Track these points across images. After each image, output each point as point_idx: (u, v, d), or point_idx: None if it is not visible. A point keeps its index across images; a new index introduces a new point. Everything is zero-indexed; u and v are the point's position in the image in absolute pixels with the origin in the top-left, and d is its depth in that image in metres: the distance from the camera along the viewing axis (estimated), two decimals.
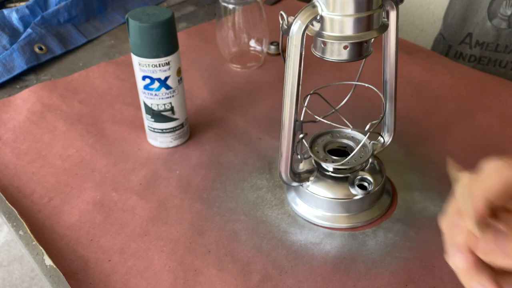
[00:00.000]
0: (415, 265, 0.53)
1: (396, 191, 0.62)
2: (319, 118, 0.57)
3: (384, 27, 0.49)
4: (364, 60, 0.52)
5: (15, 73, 0.88)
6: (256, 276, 0.53)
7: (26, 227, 0.59)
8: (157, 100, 0.66)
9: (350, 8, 0.45)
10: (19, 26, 0.95)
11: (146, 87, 0.65)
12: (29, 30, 0.93)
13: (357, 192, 0.57)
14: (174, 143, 0.71)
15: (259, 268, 0.54)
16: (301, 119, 0.55)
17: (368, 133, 0.57)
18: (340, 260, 0.54)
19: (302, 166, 0.60)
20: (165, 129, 0.69)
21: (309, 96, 0.57)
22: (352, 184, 0.57)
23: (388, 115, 0.59)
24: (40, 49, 0.92)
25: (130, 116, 0.78)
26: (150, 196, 0.63)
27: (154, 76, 0.64)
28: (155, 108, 0.67)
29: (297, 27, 0.46)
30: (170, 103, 0.67)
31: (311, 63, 0.79)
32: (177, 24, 0.86)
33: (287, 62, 0.49)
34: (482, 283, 0.30)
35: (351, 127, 0.58)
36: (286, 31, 0.47)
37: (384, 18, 0.49)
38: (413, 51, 0.92)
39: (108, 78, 0.87)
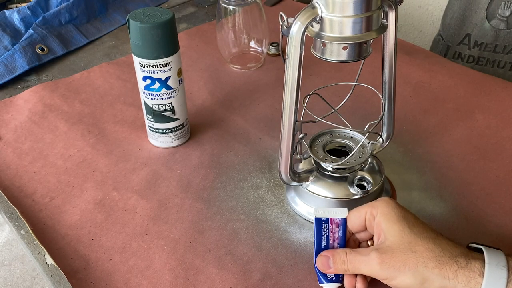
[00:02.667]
0: None
1: (395, 190, 0.63)
2: (318, 118, 0.57)
3: (383, 28, 0.49)
4: (363, 60, 0.53)
5: (16, 73, 0.88)
6: (256, 275, 0.53)
7: (28, 226, 0.59)
8: (158, 100, 0.66)
9: (349, 9, 0.45)
10: (21, 27, 0.96)
11: (147, 87, 0.65)
12: (30, 31, 0.93)
13: (356, 192, 0.57)
14: (175, 143, 0.71)
15: (259, 267, 0.54)
16: (301, 119, 0.55)
17: (367, 133, 0.58)
18: None
19: (302, 166, 0.61)
20: (166, 129, 0.69)
21: (308, 97, 0.58)
22: (352, 184, 0.58)
23: (387, 115, 0.60)
24: (42, 49, 0.93)
25: (131, 116, 0.78)
26: (150, 196, 0.63)
27: (155, 76, 0.64)
28: (155, 108, 0.67)
29: (296, 28, 0.47)
30: (171, 103, 0.67)
31: (311, 63, 0.80)
32: (177, 25, 0.86)
33: (287, 63, 0.49)
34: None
35: (350, 127, 0.58)
36: (286, 32, 0.47)
37: (383, 19, 0.50)
38: (412, 51, 0.92)
39: (109, 79, 0.88)
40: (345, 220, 0.50)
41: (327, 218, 0.50)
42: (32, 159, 0.70)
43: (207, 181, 0.66)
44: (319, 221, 0.50)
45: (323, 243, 0.50)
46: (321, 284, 0.50)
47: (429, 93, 0.81)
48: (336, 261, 0.48)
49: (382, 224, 0.46)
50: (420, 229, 0.45)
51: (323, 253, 0.49)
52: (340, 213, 0.50)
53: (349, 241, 0.51)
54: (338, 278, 0.49)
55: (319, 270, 0.50)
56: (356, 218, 0.49)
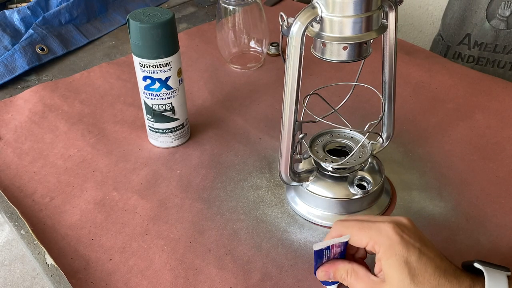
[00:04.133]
0: None
1: (395, 190, 0.63)
2: (318, 118, 0.57)
3: (383, 28, 0.49)
4: (363, 60, 0.53)
5: (16, 73, 0.88)
6: (256, 275, 0.53)
7: (28, 226, 0.59)
8: (158, 100, 0.66)
9: (349, 9, 0.45)
10: (21, 27, 0.96)
11: (147, 87, 0.65)
12: (30, 31, 0.93)
13: (356, 192, 0.57)
14: (175, 143, 0.71)
15: (259, 267, 0.54)
16: (301, 119, 0.55)
17: (367, 133, 0.58)
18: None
19: (302, 166, 0.61)
20: (166, 129, 0.69)
21: (308, 97, 0.58)
22: (352, 184, 0.58)
23: (387, 115, 0.60)
24: (42, 49, 0.93)
25: (131, 116, 0.78)
26: (150, 196, 0.63)
27: (155, 76, 0.64)
28: (156, 108, 0.67)
29: (297, 28, 0.47)
30: (171, 103, 0.67)
31: (311, 63, 0.80)
32: (177, 25, 0.86)
33: (287, 63, 0.49)
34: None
35: (350, 127, 0.58)
36: (286, 32, 0.47)
37: (383, 19, 0.50)
38: (412, 51, 0.92)
39: (109, 79, 0.88)
40: (347, 242, 0.47)
41: (328, 246, 0.47)
42: (32, 159, 0.70)
43: (207, 181, 0.66)
44: (320, 251, 0.48)
45: (323, 261, 0.49)
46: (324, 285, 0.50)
47: (429, 93, 0.81)
48: (337, 276, 0.48)
49: (382, 264, 0.44)
50: (421, 279, 0.43)
51: (324, 268, 0.49)
52: (343, 238, 0.47)
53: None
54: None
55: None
56: (356, 243, 0.47)
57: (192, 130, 0.74)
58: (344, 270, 0.47)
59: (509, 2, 0.94)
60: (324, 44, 0.49)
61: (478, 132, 0.72)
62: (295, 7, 1.09)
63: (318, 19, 0.47)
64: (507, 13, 0.95)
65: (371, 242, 0.45)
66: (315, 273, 0.50)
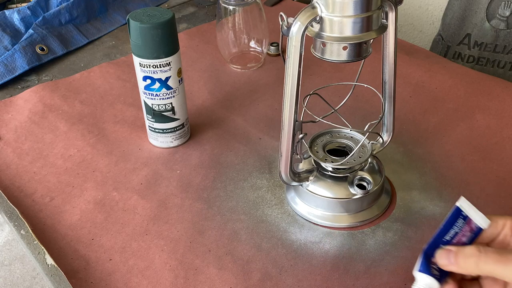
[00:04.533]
0: (414, 264, 0.53)
1: (395, 190, 0.63)
2: (318, 118, 0.57)
3: (383, 28, 0.49)
4: (363, 60, 0.53)
5: (16, 73, 0.88)
6: (256, 275, 0.53)
7: (28, 226, 0.59)
8: (158, 100, 0.66)
9: (349, 9, 0.45)
10: (21, 27, 0.96)
11: (147, 87, 0.65)
12: (30, 31, 0.93)
13: (356, 192, 0.57)
14: (175, 143, 0.71)
15: (259, 267, 0.54)
16: (301, 119, 0.55)
17: (367, 133, 0.58)
18: (340, 259, 0.55)
19: (302, 166, 0.61)
20: (166, 129, 0.69)
21: (308, 97, 0.58)
22: (351, 184, 0.58)
23: (387, 115, 0.60)
24: (42, 49, 0.93)
25: (131, 116, 0.78)
26: (150, 196, 0.63)
27: (155, 76, 0.64)
28: (156, 108, 0.67)
29: (296, 28, 0.47)
30: (171, 103, 0.67)
31: (311, 63, 0.80)
32: (177, 25, 0.86)
33: (287, 63, 0.49)
34: None
35: (350, 127, 0.58)
36: (286, 32, 0.47)
37: (383, 19, 0.50)
38: (412, 51, 0.92)
39: (109, 79, 0.88)
40: (481, 230, 0.44)
41: (467, 216, 0.44)
42: (32, 159, 0.70)
43: (207, 181, 0.66)
44: (458, 212, 0.44)
45: (446, 236, 0.44)
46: (419, 272, 0.44)
47: (429, 93, 0.81)
48: (461, 255, 0.42)
49: None
50: None
51: (447, 247, 0.43)
52: (482, 220, 0.44)
53: None
54: (441, 278, 0.44)
55: (426, 259, 0.44)
56: (492, 227, 0.44)
57: (192, 130, 0.74)
58: (472, 248, 0.42)
59: (509, 2, 0.94)
60: (324, 44, 0.49)
61: (478, 132, 0.72)
62: (295, 7, 1.09)
63: (318, 19, 0.47)
64: (507, 13, 0.95)
65: (509, 223, 0.43)
66: (425, 251, 0.44)
